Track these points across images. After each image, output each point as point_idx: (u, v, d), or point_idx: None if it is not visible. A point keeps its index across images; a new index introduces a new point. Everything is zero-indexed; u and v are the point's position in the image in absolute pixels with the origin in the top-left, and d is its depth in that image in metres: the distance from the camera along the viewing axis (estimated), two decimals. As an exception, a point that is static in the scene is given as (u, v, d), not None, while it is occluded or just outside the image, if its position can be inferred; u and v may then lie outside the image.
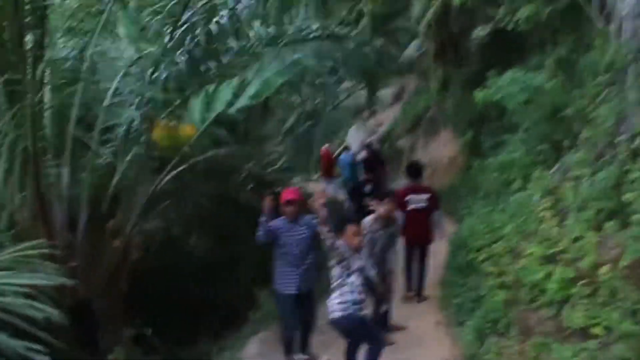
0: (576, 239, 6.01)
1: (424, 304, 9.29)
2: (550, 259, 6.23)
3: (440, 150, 17.86)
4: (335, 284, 6.30)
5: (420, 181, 9.87)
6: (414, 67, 21.76)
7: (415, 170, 9.82)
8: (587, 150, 7.03)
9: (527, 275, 6.32)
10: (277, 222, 7.33)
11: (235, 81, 11.92)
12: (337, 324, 6.38)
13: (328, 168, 19.92)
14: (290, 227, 7.32)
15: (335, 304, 6.28)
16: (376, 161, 11.72)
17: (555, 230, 6.38)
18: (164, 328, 8.90)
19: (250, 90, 12.08)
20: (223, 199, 9.80)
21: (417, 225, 9.05)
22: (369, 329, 6.52)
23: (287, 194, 7.51)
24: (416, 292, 9.48)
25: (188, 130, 10.78)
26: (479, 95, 9.97)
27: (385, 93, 22.17)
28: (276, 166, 11.64)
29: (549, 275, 6.00)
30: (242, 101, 12.07)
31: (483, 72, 17.52)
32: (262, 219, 7.17)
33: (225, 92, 12.24)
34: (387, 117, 22.04)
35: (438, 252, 10.39)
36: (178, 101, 9.94)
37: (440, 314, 8.77)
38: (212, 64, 11.00)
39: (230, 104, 12.12)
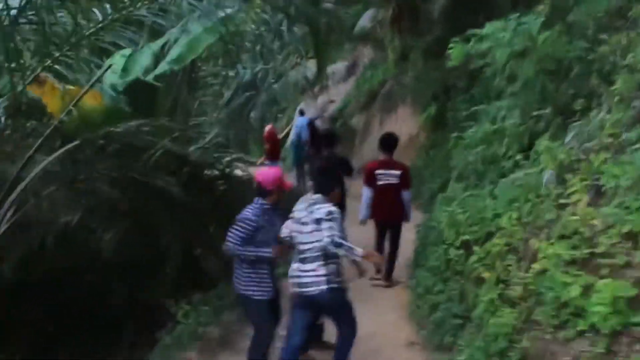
0: (629, 235, 3.97)
1: (391, 312, 7.27)
2: (584, 265, 4.18)
3: (399, 128, 15.70)
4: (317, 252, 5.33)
5: (392, 156, 8.55)
6: (369, 38, 19.72)
7: (388, 143, 8.62)
8: (620, 109, 5.00)
9: (548, 288, 4.26)
10: (253, 217, 5.58)
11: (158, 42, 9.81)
12: (317, 298, 5.37)
13: (273, 150, 17.83)
14: (270, 221, 5.65)
15: (320, 275, 5.32)
16: (322, 140, 9.70)
17: (588, 222, 4.33)
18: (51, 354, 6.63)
19: (173, 53, 9.88)
20: (133, 183, 7.50)
21: (386, 202, 8.29)
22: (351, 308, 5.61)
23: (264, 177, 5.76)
24: (385, 276, 8.40)
25: (90, 97, 8.48)
26: (456, 51, 7.87)
27: (337, 67, 20.04)
28: (204, 143, 9.35)
29: (587, 291, 3.95)
30: (163, 66, 9.87)
31: (447, 40, 15.52)
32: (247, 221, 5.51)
33: (145, 55, 10.05)
34: (339, 93, 19.91)
35: (405, 239, 8.54)
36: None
37: (413, 329, 6.73)
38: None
39: (149, 70, 10.00)
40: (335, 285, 5.39)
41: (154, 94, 9.41)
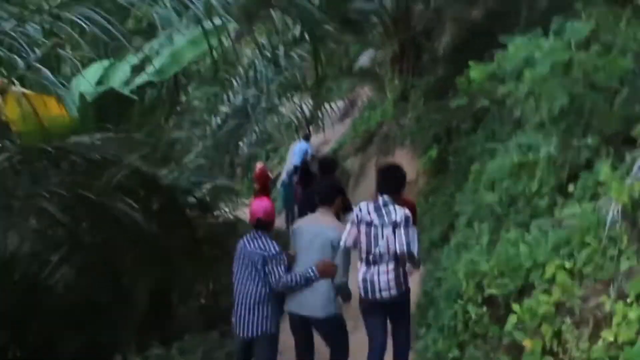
0: None
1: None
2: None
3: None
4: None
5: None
6: (367, 78, 18.67)
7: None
8: None
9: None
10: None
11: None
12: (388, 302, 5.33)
13: (263, 189, 16.65)
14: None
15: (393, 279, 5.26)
16: (321, 167, 8.64)
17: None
18: None
19: (154, 64, 8.71)
20: (89, 207, 6.15)
21: None
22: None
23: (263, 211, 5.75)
24: None
25: (53, 106, 7.21)
26: (476, 72, 6.70)
27: (333, 107, 18.89)
28: (181, 164, 8.06)
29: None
30: (142, 78, 8.69)
31: (450, 80, 14.52)
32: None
33: (123, 67, 8.89)
34: (334, 134, 18.74)
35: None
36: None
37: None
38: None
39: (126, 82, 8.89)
40: (403, 289, 5.36)
41: (129, 108, 8.18)
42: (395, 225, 5.12)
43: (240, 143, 11.92)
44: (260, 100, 10.26)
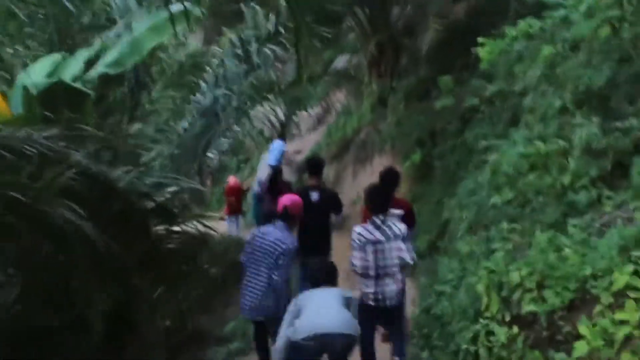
0: None
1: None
2: None
3: (375, 180, 13.46)
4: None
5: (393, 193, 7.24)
6: (344, 80, 17.68)
7: (390, 179, 7.59)
8: None
9: None
10: None
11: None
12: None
13: (235, 203, 15.45)
14: None
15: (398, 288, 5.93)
16: (308, 168, 7.89)
17: None
18: None
19: (110, 55, 7.61)
20: (23, 213, 4.96)
21: None
22: None
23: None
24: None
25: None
26: (487, 50, 5.77)
27: (306, 115, 17.86)
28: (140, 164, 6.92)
29: None
30: (96, 70, 7.58)
31: (433, 80, 13.59)
32: None
33: (77, 60, 7.79)
34: (307, 142, 17.67)
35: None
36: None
37: None
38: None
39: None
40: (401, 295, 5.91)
41: (83, 103, 7.02)
42: (399, 239, 5.79)
43: (210, 154, 10.80)
44: (230, 100, 9.15)
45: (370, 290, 5.73)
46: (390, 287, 5.70)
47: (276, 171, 15.05)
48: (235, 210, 15.53)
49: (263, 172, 16.50)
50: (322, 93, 18.95)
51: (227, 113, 8.95)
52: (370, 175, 13.82)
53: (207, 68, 10.00)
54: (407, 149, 12.44)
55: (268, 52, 9.40)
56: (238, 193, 15.92)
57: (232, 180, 15.60)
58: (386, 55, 14.51)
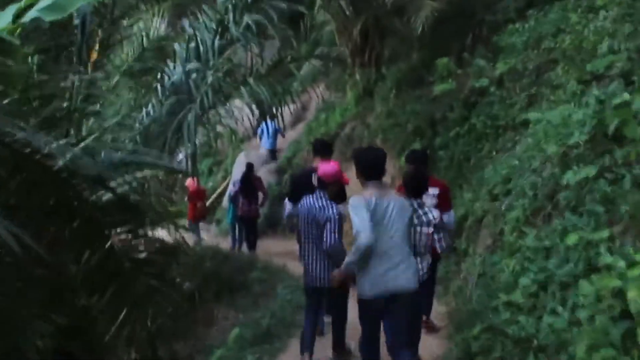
0: None
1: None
2: None
3: (366, 177, 11.83)
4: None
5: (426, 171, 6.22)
6: (322, 78, 16.10)
7: (419, 156, 6.55)
8: None
9: None
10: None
11: None
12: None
13: (200, 208, 13.79)
14: None
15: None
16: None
17: None
18: None
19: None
20: None
21: None
22: None
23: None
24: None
25: None
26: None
27: (284, 111, 16.15)
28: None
29: None
30: (28, 15, 5.74)
31: (427, 65, 12.08)
32: None
33: (7, 12, 5.96)
34: (285, 141, 15.99)
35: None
36: None
37: None
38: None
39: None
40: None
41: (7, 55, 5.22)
42: (431, 226, 5.33)
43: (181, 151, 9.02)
44: (205, 76, 7.45)
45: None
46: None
47: (250, 170, 13.58)
48: (199, 216, 13.81)
49: (238, 172, 14.97)
50: (299, 89, 17.36)
51: (202, 93, 7.20)
52: (359, 173, 12.23)
53: (176, 45, 8.26)
54: (402, 141, 10.88)
55: (249, 22, 7.68)
56: (202, 196, 14.17)
57: (190, 182, 13.92)
58: (371, 41, 12.96)
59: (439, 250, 5.66)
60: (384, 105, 12.07)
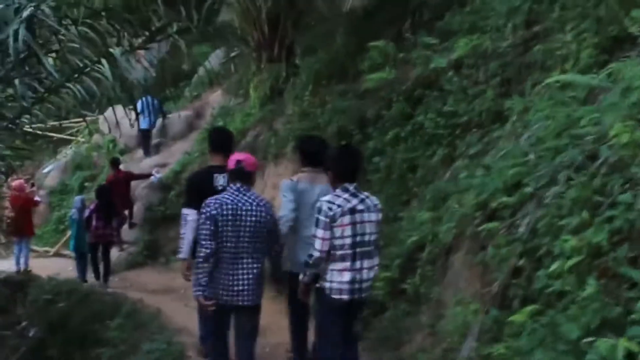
0: None
1: None
2: None
3: (272, 192, 8.87)
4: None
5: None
6: (219, 80, 13.18)
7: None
8: None
9: None
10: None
11: None
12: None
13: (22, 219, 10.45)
14: None
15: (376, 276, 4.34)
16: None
17: None
18: None
19: None
20: None
21: None
22: None
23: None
24: None
25: None
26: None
27: (173, 119, 13.07)
28: None
29: None
30: None
31: (352, 55, 9.46)
32: None
33: None
34: (173, 153, 12.83)
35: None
36: None
37: None
38: None
39: None
40: None
41: None
42: (379, 212, 4.19)
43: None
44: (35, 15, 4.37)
45: (346, 278, 4.02)
46: (370, 273, 4.14)
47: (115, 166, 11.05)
48: (21, 231, 10.41)
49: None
50: (193, 94, 14.33)
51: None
52: (264, 187, 9.34)
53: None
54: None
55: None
56: (27, 205, 10.91)
57: (18, 184, 10.75)
58: (282, 29, 10.24)
59: None
60: (297, 105, 9.32)
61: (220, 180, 4.92)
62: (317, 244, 3.98)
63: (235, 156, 4.42)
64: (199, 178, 5.17)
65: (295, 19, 9.91)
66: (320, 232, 3.96)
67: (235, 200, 4.20)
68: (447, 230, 4.77)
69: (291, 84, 9.86)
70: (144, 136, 13.01)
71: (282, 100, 10.07)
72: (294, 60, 10.08)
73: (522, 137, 4.42)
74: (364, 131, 7.66)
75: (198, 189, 4.87)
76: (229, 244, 4.19)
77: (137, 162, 13.23)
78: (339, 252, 4.02)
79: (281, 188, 4.81)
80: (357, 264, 4.06)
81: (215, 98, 13.23)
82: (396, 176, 6.78)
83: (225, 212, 4.15)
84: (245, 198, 4.22)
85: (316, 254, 4.00)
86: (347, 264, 4.04)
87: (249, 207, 4.20)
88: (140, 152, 13.62)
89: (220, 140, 5.26)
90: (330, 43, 9.27)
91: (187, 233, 4.89)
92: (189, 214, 4.86)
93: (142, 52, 8.94)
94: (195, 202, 4.70)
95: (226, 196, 4.22)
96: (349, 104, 8.10)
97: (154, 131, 13.36)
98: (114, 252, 11.20)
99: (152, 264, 11.15)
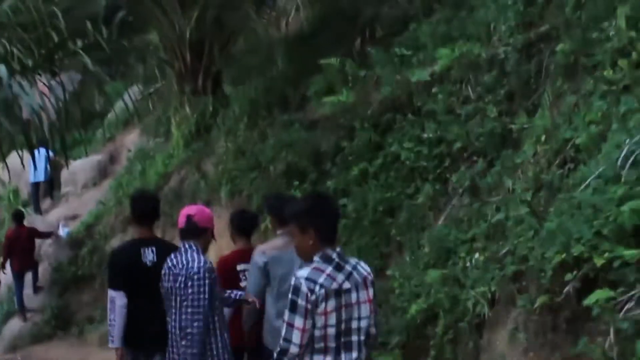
0: None
1: None
2: None
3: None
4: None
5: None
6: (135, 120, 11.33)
7: (246, 223, 4.40)
8: None
9: None
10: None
11: None
12: None
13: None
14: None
15: None
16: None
17: None
18: None
19: None
20: None
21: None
22: None
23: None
24: None
25: None
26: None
27: (82, 165, 11.09)
28: None
29: None
30: None
31: (295, 81, 7.82)
32: None
33: None
34: (84, 203, 10.83)
35: None
36: None
37: None
38: None
39: None
40: None
41: None
42: (370, 285, 2.93)
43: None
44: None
45: None
46: None
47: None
48: None
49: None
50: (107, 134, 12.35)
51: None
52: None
53: None
54: (265, 191, 6.53)
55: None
56: None
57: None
58: (207, 58, 8.63)
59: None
60: (231, 141, 7.69)
61: (149, 255, 4.23)
62: (295, 337, 2.90)
63: (186, 210, 3.70)
64: (125, 254, 4.41)
65: (223, 45, 8.31)
66: (298, 321, 2.85)
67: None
68: (482, 294, 3.23)
69: (221, 117, 8.22)
70: (35, 190, 11.15)
71: (211, 138, 8.43)
72: (222, 91, 8.44)
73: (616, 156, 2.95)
74: (319, 168, 6.13)
75: (124, 267, 4.21)
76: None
77: (41, 216, 11.11)
78: (318, 345, 2.97)
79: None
80: (342, 358, 2.98)
81: (132, 139, 11.38)
82: (369, 222, 5.27)
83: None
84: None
85: (293, 350, 2.91)
86: (329, 359, 2.98)
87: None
88: (48, 202, 11.56)
89: (145, 209, 4.38)
90: (266, 69, 7.72)
91: (116, 318, 4.21)
92: (116, 297, 4.18)
93: (45, 89, 7.28)
94: (121, 282, 4.17)
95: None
96: (297, 136, 6.56)
97: (63, 179, 11.38)
98: (16, 323, 9.21)
99: (62, 335, 9.52)
